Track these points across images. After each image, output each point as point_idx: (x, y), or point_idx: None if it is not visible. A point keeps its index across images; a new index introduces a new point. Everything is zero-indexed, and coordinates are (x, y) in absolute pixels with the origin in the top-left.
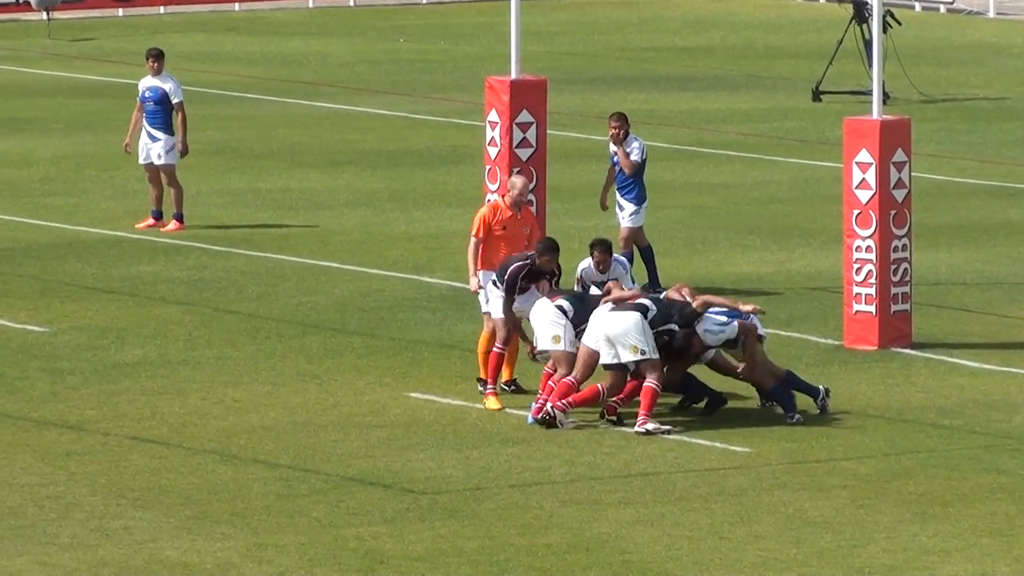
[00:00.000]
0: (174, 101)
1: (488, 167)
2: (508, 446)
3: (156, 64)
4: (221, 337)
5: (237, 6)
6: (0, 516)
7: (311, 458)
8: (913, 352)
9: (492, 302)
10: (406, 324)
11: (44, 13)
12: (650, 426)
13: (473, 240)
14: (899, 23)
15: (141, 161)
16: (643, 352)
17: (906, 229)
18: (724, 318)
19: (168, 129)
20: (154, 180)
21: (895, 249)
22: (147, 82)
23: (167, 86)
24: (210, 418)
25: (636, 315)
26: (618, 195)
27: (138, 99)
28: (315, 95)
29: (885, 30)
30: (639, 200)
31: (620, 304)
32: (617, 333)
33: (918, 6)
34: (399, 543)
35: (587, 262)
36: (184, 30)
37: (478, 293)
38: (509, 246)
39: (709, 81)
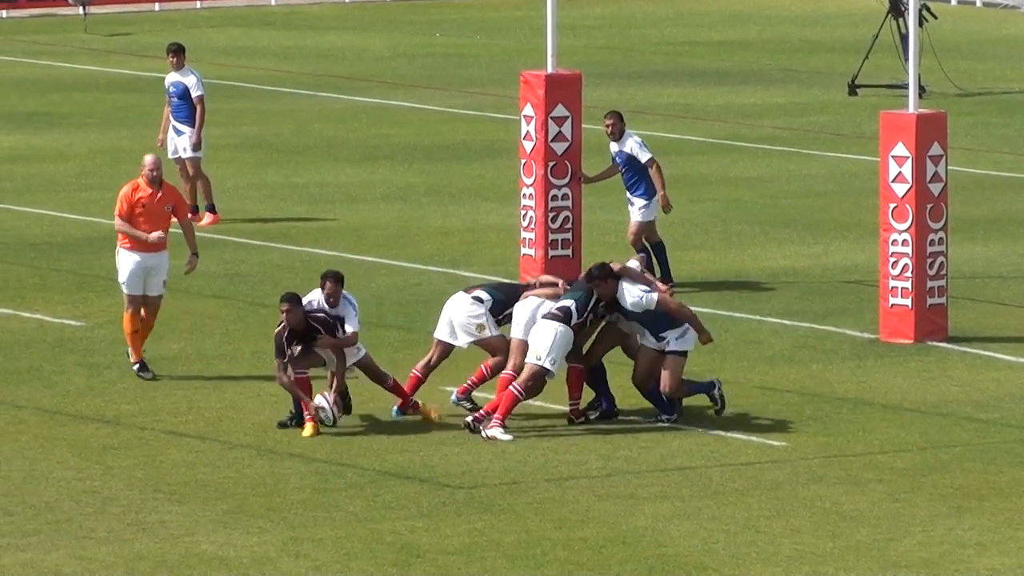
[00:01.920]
0: (194, 95)
1: (524, 161)
2: (543, 440)
3: (175, 59)
4: (257, 331)
5: (273, 1)
6: (37, 510)
7: (347, 452)
8: (949, 346)
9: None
10: None
11: (80, 8)
12: (498, 433)
13: (117, 220)
14: (935, 17)
15: (170, 156)
16: (538, 358)
17: (942, 223)
18: (645, 286)
19: (193, 122)
20: (184, 174)
21: (931, 243)
22: (171, 77)
23: (188, 80)
24: (247, 412)
25: (559, 327)
26: (628, 192)
27: (166, 95)
28: (351, 89)
29: (921, 24)
30: (649, 195)
31: (548, 313)
32: (534, 341)
33: (954, 0)
34: (435, 537)
35: (317, 293)
36: (220, 24)
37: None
38: (150, 223)
39: (745, 75)
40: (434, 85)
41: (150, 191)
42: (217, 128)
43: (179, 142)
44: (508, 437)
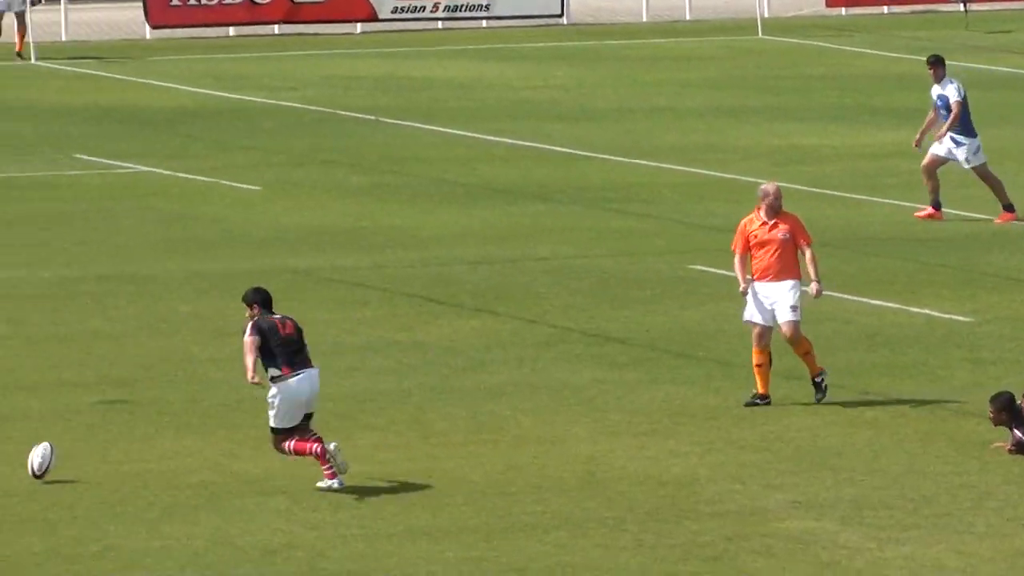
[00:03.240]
0: (952, 101)
1: None
2: None
3: (934, 71)
4: None
5: None
6: (916, 505)
7: None
8: None
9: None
10: None
11: (961, 4)
12: None
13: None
14: None
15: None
16: None
17: None
18: None
19: (964, 131)
20: (984, 177)
21: None
22: (935, 90)
23: (948, 91)
24: None
25: None
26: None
27: (932, 104)
28: None
29: None
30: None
31: None
32: None
33: None
34: None
35: None
36: None
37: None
38: (768, 255)
39: None
40: None
41: (761, 222)
42: None
43: (958, 153)
44: None
